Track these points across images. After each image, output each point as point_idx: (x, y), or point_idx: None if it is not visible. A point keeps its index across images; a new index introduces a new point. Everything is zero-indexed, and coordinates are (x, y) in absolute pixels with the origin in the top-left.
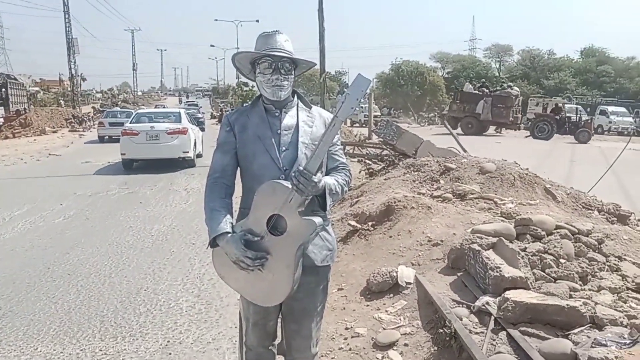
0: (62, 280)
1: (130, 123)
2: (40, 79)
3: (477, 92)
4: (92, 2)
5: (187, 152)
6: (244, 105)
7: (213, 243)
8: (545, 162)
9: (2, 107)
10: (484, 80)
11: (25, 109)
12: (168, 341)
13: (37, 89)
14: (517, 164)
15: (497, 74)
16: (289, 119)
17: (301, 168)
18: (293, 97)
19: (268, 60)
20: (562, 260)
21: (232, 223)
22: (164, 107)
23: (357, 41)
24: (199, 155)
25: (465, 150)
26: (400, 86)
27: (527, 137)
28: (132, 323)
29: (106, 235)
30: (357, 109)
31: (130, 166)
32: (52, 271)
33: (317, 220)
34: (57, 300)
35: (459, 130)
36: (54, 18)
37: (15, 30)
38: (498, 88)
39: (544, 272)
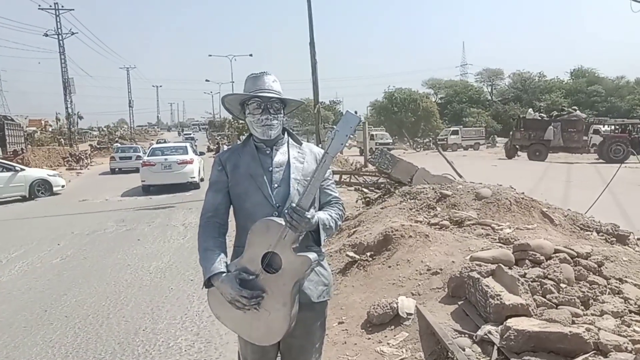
0: (59, 323)
1: (148, 156)
2: (44, 120)
3: (542, 118)
4: (87, 42)
5: (194, 177)
6: (238, 139)
7: (208, 283)
8: (540, 183)
9: (0, 148)
10: (541, 105)
11: (22, 149)
12: None
13: (34, 128)
14: (512, 188)
15: (489, 98)
16: (280, 156)
17: (294, 205)
18: (283, 134)
19: (257, 101)
20: (562, 285)
21: (226, 262)
22: (164, 141)
23: (350, 70)
24: (202, 179)
25: (460, 176)
26: (394, 113)
27: (596, 160)
28: None
29: (104, 274)
30: (346, 145)
31: (148, 190)
32: (50, 314)
33: (312, 256)
34: (54, 344)
35: (524, 157)
36: (51, 59)
37: (12, 72)
38: (560, 113)
39: (545, 297)
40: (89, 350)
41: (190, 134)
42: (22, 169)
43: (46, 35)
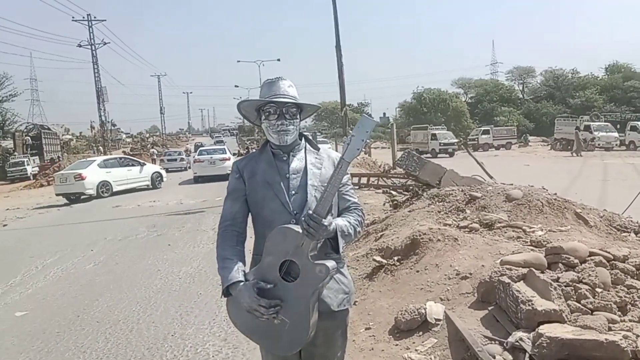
0: (91, 329)
1: (197, 155)
2: (80, 132)
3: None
4: (119, 51)
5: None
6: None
7: (226, 292)
8: (575, 183)
9: (37, 156)
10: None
11: (58, 157)
12: None
13: (69, 137)
14: (544, 189)
15: (520, 96)
16: (297, 162)
17: (310, 212)
18: (300, 140)
19: (272, 107)
20: (598, 290)
21: (244, 271)
22: (201, 145)
23: (377, 72)
24: None
25: (491, 177)
26: (424, 114)
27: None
28: None
29: (135, 280)
30: (362, 149)
31: (198, 180)
32: (82, 319)
33: (331, 264)
34: (86, 349)
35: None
36: (84, 69)
37: (49, 82)
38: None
39: (579, 303)
40: (119, 356)
41: (220, 137)
42: (144, 164)
43: (80, 46)
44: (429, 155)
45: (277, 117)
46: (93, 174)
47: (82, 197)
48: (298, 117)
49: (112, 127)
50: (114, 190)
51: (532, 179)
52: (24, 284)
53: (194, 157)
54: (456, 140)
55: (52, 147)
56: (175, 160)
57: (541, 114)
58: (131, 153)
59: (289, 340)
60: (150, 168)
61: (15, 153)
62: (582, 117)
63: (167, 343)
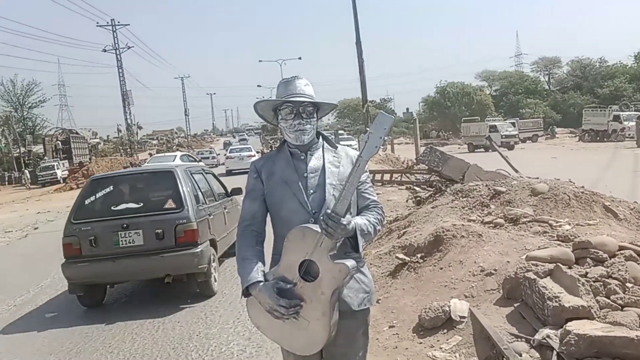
0: (118, 329)
1: (228, 153)
2: (107, 136)
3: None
4: (143, 55)
5: None
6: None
7: (246, 292)
8: (605, 175)
9: (67, 160)
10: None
11: (87, 160)
12: None
13: (97, 140)
14: (571, 182)
15: (547, 87)
16: (315, 161)
17: (329, 211)
18: (318, 138)
19: (289, 106)
20: (628, 285)
21: (264, 271)
22: (230, 143)
23: (400, 67)
24: None
25: (516, 171)
26: (447, 108)
27: None
28: None
29: (161, 279)
30: (381, 147)
31: (230, 173)
32: (109, 320)
33: (350, 263)
34: (113, 349)
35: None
36: (110, 74)
37: (77, 87)
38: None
39: (609, 299)
40: (145, 356)
41: (243, 135)
42: (198, 160)
43: (105, 50)
44: (482, 150)
45: (293, 117)
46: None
47: None
48: (315, 115)
49: (138, 130)
50: None
51: (560, 171)
52: (53, 286)
53: (225, 154)
54: (516, 132)
55: (81, 151)
56: (208, 158)
57: (568, 105)
58: (157, 155)
59: (309, 340)
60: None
61: (46, 157)
62: (611, 107)
63: (192, 342)
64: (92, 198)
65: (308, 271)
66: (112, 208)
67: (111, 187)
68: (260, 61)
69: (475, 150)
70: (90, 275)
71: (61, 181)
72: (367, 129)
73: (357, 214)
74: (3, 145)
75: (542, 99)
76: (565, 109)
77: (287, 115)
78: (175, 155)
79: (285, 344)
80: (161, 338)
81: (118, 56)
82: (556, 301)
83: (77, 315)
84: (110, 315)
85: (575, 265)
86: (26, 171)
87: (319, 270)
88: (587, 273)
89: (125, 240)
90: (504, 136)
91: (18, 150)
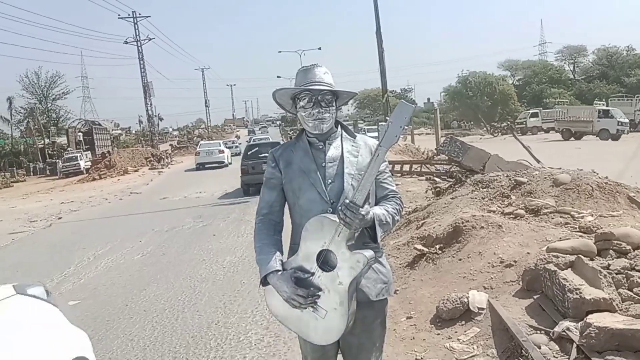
0: (138, 317)
1: (198, 147)
2: (129, 127)
3: None
4: (163, 46)
5: None
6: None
7: (264, 281)
8: (630, 165)
9: (89, 151)
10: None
11: (109, 151)
12: None
13: (119, 131)
14: (595, 172)
15: (571, 76)
16: (333, 151)
17: (347, 201)
18: (337, 127)
19: (308, 95)
20: None
21: (281, 260)
22: (254, 132)
23: (421, 57)
24: None
25: (538, 161)
26: (469, 98)
27: None
28: (203, 359)
29: (180, 269)
30: (401, 136)
31: (202, 167)
32: (130, 308)
33: (368, 253)
34: (134, 337)
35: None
36: (132, 65)
37: (99, 79)
38: None
39: (632, 291)
40: (164, 344)
41: (264, 125)
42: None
43: (126, 42)
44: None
45: (312, 105)
46: (225, 150)
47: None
48: (334, 104)
49: (159, 121)
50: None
51: (584, 162)
52: (77, 274)
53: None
54: (627, 120)
55: (103, 142)
56: (232, 147)
57: (594, 94)
58: (178, 146)
59: (326, 330)
60: (228, 151)
61: (69, 149)
62: (638, 97)
63: (210, 331)
64: (250, 152)
65: (326, 261)
66: (258, 155)
67: (257, 148)
68: (279, 52)
69: (584, 138)
70: (251, 181)
71: (84, 172)
72: (387, 118)
73: (376, 204)
74: (28, 137)
75: (567, 88)
76: (590, 99)
77: (306, 104)
78: (220, 142)
79: (303, 333)
80: (180, 326)
81: (139, 48)
82: (577, 293)
83: (99, 303)
84: (131, 303)
85: (597, 257)
86: (59, 161)
87: (336, 260)
88: (609, 265)
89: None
90: (620, 123)
91: (42, 142)
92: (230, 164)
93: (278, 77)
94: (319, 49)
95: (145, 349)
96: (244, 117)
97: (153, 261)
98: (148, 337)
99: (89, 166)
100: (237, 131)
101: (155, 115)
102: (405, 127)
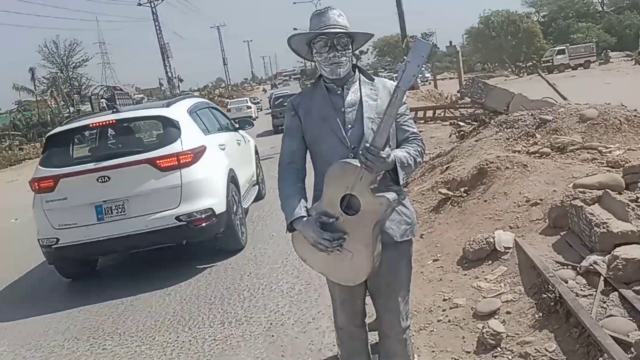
0: (173, 275)
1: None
2: (150, 91)
3: None
4: (177, 5)
5: None
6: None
7: (290, 228)
8: None
9: None
10: None
11: None
12: (271, 324)
13: (141, 95)
14: (623, 106)
15: (600, 9)
16: (351, 96)
17: (367, 145)
18: (354, 71)
19: (323, 39)
20: None
21: (306, 207)
22: (276, 86)
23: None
24: None
25: (564, 98)
26: (492, 38)
27: None
28: (237, 308)
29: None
30: (419, 75)
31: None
32: (164, 265)
33: (391, 196)
34: (170, 292)
35: None
36: (147, 27)
37: (117, 44)
38: None
39: None
40: (200, 297)
41: (286, 79)
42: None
43: (140, 4)
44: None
45: (328, 49)
46: (252, 106)
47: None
48: (350, 47)
49: (180, 82)
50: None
51: (614, 97)
52: None
53: (269, 96)
54: None
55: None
56: (257, 103)
57: (624, 26)
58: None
59: (353, 271)
60: (254, 107)
61: None
62: None
63: (243, 282)
64: (276, 102)
65: (349, 205)
66: (282, 104)
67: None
68: (294, 3)
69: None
70: (280, 123)
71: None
72: (405, 57)
73: (397, 147)
74: (54, 106)
75: (595, 21)
76: (620, 31)
77: (322, 49)
78: (246, 99)
79: (331, 275)
80: (214, 280)
81: (153, 9)
82: (604, 227)
83: (138, 260)
84: (164, 261)
85: (625, 190)
86: None
87: (360, 204)
88: (637, 198)
89: None
90: None
91: (67, 111)
92: (257, 118)
93: (294, 29)
94: None
95: (182, 302)
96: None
97: None
98: (184, 291)
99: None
100: (265, 86)
101: (175, 77)
102: (424, 66)
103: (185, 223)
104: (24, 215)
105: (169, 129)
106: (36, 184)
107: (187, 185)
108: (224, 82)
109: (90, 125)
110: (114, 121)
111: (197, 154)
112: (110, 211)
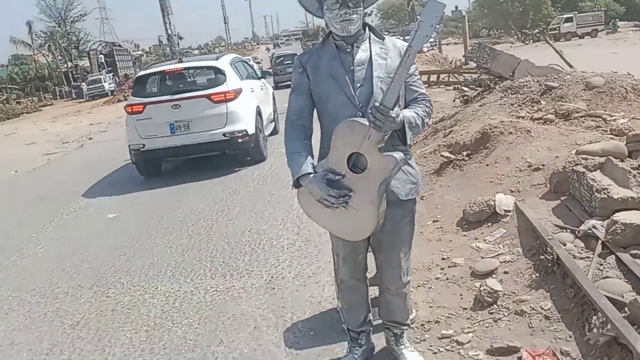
0: (175, 227)
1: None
2: (150, 48)
3: None
4: None
5: None
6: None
7: (297, 184)
8: None
9: (111, 73)
10: None
11: (132, 72)
12: (272, 277)
13: (140, 52)
14: (630, 74)
15: None
16: (361, 54)
17: (377, 104)
18: (364, 30)
19: None
20: None
21: (312, 164)
22: (279, 46)
23: None
24: None
25: (571, 66)
26: (500, 4)
27: None
28: (239, 262)
29: (213, 183)
30: (432, 36)
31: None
32: (166, 219)
33: (398, 155)
34: (172, 245)
35: None
36: None
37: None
38: None
39: None
40: (201, 250)
41: (289, 39)
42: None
43: None
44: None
45: (339, 6)
46: (254, 64)
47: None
48: (362, 4)
49: (179, 40)
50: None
51: (620, 67)
52: (112, 189)
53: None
54: None
55: (125, 64)
56: (259, 62)
57: None
58: None
59: (358, 227)
60: (256, 66)
61: (92, 72)
62: None
63: (244, 238)
64: (277, 60)
65: (356, 164)
66: (283, 62)
67: (282, 58)
68: None
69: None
70: (280, 80)
71: (109, 94)
72: (418, 17)
73: (405, 107)
74: (51, 60)
75: None
76: (629, 0)
77: (333, 5)
78: (250, 58)
79: (336, 231)
80: (216, 234)
81: None
82: (605, 193)
83: (136, 214)
84: (166, 214)
85: (628, 158)
86: (83, 84)
87: (367, 163)
88: None
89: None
90: None
91: (65, 65)
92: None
93: None
94: None
95: (184, 254)
96: (269, 35)
97: (187, 175)
98: (185, 244)
99: (113, 88)
100: (258, 47)
101: (175, 35)
102: (437, 27)
103: (229, 138)
104: (22, 168)
105: (219, 75)
106: (130, 107)
107: (230, 113)
108: (224, 40)
109: (165, 71)
110: (181, 68)
111: (236, 93)
112: (179, 128)
